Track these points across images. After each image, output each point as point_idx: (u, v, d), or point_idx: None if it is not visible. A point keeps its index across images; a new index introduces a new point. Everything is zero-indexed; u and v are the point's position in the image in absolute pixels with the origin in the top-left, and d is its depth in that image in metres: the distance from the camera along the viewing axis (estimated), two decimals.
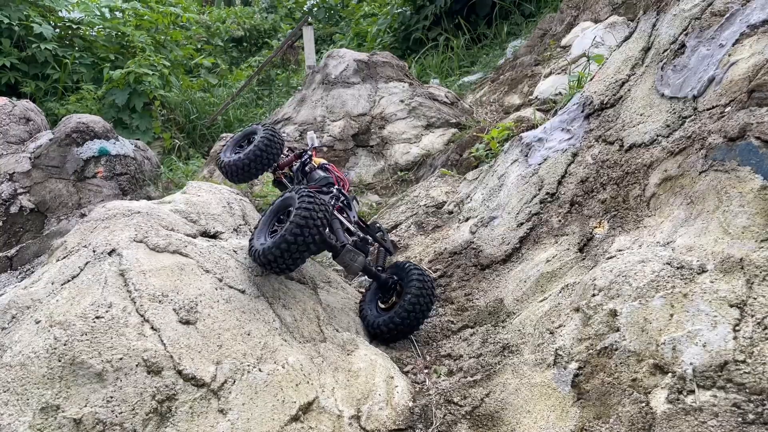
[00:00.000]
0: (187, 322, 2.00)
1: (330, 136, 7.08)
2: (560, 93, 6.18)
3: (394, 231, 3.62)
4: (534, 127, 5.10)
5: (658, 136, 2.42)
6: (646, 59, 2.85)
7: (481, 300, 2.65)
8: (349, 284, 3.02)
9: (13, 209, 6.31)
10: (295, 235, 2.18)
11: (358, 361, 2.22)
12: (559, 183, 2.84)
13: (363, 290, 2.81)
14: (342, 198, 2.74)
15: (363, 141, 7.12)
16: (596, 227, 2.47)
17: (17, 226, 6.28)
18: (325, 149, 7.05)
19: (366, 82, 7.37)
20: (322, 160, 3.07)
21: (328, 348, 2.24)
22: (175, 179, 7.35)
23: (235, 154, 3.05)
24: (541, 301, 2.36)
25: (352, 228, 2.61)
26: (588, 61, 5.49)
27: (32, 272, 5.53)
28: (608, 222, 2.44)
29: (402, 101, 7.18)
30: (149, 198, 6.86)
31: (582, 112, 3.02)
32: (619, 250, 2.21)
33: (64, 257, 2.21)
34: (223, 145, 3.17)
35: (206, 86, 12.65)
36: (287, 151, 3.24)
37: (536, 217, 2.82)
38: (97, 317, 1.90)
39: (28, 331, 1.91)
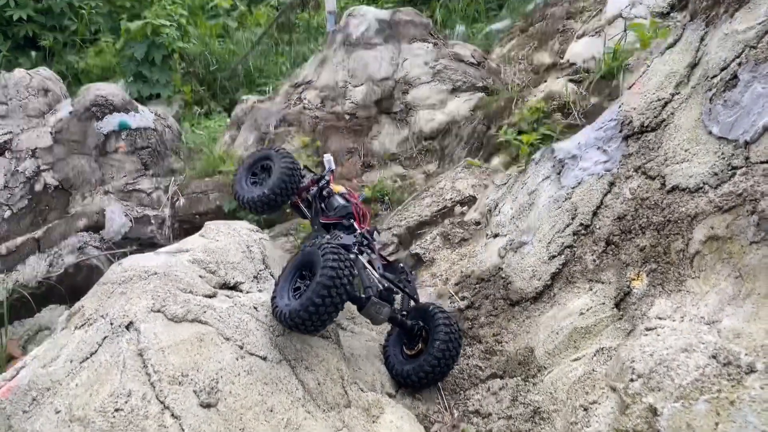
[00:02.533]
0: (208, 405, 1.96)
1: (352, 102, 6.88)
2: (594, 58, 5.86)
3: (419, 242, 3.50)
4: (566, 107, 4.86)
5: (704, 183, 2.24)
6: (692, 78, 2.62)
7: (510, 345, 2.57)
8: None
9: (38, 187, 6.31)
10: (323, 297, 2.12)
11: (383, 430, 2.17)
12: (594, 214, 2.69)
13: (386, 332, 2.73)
14: (365, 241, 2.63)
15: (386, 107, 6.90)
16: (634, 279, 2.33)
17: (43, 204, 6.29)
18: (347, 117, 6.87)
19: (389, 43, 7.05)
20: (341, 188, 2.95)
21: (353, 415, 2.19)
22: (196, 148, 7.23)
23: (254, 185, 2.96)
24: (574, 360, 2.27)
25: (377, 276, 2.51)
26: (625, 31, 5.16)
27: (60, 256, 5.58)
28: (647, 275, 2.30)
29: (426, 63, 6.89)
30: (172, 171, 6.80)
31: (620, 131, 2.81)
32: (660, 318, 2.08)
33: (83, 325, 2.16)
34: (235, 174, 3.05)
35: (225, 29, 12.32)
36: (303, 170, 3.14)
37: (569, 250, 2.68)
38: (116, 410, 1.86)
39: (48, 420, 1.88)
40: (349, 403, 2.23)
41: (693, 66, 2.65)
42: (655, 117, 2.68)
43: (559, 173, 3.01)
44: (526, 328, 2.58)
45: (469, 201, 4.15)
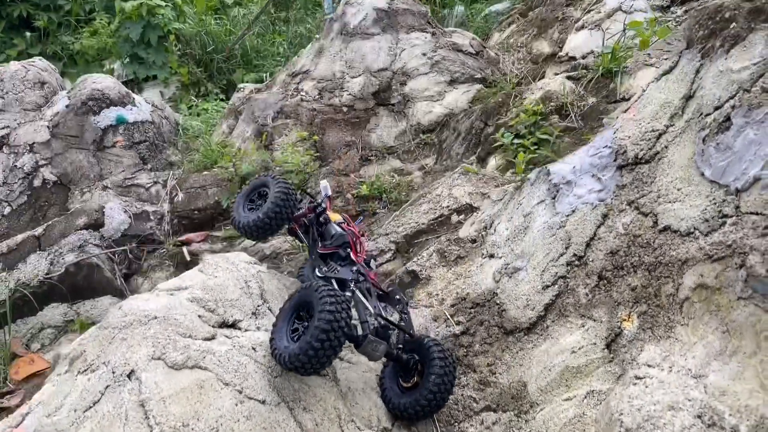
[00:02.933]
0: None
1: (350, 94, 6.85)
2: (592, 53, 5.82)
3: (416, 259, 3.54)
4: (563, 109, 4.84)
5: (695, 229, 2.27)
6: (687, 110, 2.62)
7: (504, 377, 2.62)
8: None
9: (36, 182, 6.33)
10: (321, 341, 2.17)
11: None
12: (588, 246, 2.72)
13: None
14: (361, 277, 2.66)
15: (384, 99, 6.88)
16: (625, 320, 2.38)
17: (42, 201, 6.31)
18: (345, 109, 6.84)
19: (387, 33, 7.00)
20: (338, 217, 2.97)
21: None
22: (193, 138, 7.21)
23: (250, 211, 2.97)
24: (566, 400, 2.33)
25: (372, 313, 2.55)
26: (624, 30, 5.12)
27: (60, 254, 5.62)
28: (638, 317, 2.34)
29: (424, 54, 6.85)
30: (170, 164, 6.81)
31: (614, 160, 2.83)
32: (649, 365, 2.13)
33: (85, 371, 2.22)
34: (233, 202, 3.07)
35: (222, 3, 12.17)
36: (301, 194, 3.15)
37: (562, 281, 2.72)
38: None
39: None
40: None
41: (688, 98, 2.65)
42: (650, 149, 2.69)
43: (554, 198, 3.03)
44: (520, 360, 2.64)
45: (466, 209, 4.18)
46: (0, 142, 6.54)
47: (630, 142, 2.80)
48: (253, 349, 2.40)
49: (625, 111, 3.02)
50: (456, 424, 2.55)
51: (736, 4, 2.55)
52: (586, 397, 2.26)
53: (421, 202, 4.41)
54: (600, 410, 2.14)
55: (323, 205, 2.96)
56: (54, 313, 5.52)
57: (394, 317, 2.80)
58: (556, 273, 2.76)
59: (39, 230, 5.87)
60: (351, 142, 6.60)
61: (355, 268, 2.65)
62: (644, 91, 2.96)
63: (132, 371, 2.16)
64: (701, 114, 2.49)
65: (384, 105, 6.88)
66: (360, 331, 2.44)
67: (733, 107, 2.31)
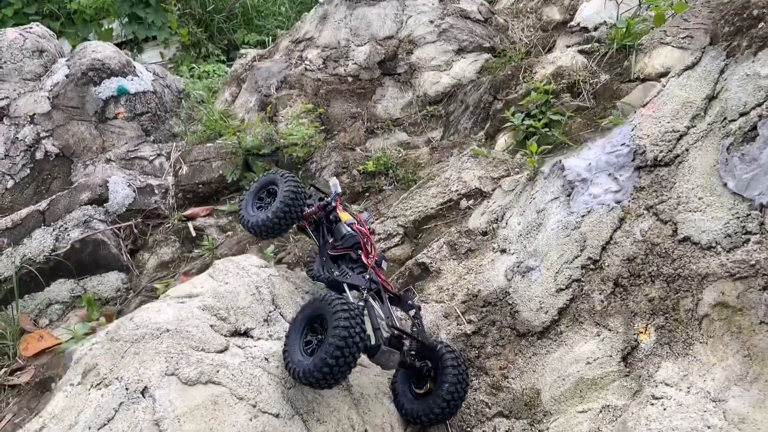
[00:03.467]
0: None
1: (355, 63, 6.70)
2: (605, 24, 5.66)
3: (425, 251, 3.51)
4: (575, 86, 4.72)
5: (717, 243, 2.22)
6: (709, 112, 2.54)
7: (517, 382, 2.62)
8: None
9: (39, 155, 6.26)
10: (336, 357, 2.16)
11: None
12: (603, 249, 2.67)
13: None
14: (374, 285, 2.63)
15: (390, 68, 6.74)
16: (642, 333, 2.35)
17: (45, 173, 6.25)
18: (350, 79, 6.71)
19: None
20: (349, 216, 2.91)
21: None
22: (195, 106, 7.07)
23: (259, 209, 2.91)
24: (581, 413, 2.32)
25: (385, 323, 2.53)
26: (639, 4, 4.95)
27: (66, 230, 5.59)
28: (655, 330, 2.32)
29: (431, 22, 6.67)
30: (173, 135, 6.71)
31: (632, 160, 2.76)
32: (666, 384, 2.11)
33: (98, 385, 2.21)
34: (241, 199, 3.01)
35: None
36: (311, 189, 3.10)
37: (577, 285, 2.69)
38: None
39: None
40: None
41: (711, 98, 2.57)
42: (669, 151, 2.62)
43: (568, 195, 2.97)
44: (533, 366, 2.62)
45: (475, 194, 4.12)
46: (1, 113, 6.44)
47: (649, 142, 2.72)
48: (266, 359, 2.39)
49: (644, 106, 2.94)
50: (469, 430, 2.56)
51: (765, 2, 2.44)
52: (601, 412, 2.25)
53: (429, 184, 4.35)
54: (616, 428, 2.14)
55: (333, 203, 2.90)
56: (61, 288, 5.53)
57: (406, 324, 2.79)
58: (571, 276, 2.73)
59: (43, 205, 5.83)
60: (356, 114, 6.49)
61: (368, 276, 2.61)
62: (664, 86, 2.87)
63: (145, 388, 2.15)
64: (725, 119, 2.41)
65: (390, 75, 6.74)
66: (373, 341, 2.43)
67: (760, 117, 2.23)
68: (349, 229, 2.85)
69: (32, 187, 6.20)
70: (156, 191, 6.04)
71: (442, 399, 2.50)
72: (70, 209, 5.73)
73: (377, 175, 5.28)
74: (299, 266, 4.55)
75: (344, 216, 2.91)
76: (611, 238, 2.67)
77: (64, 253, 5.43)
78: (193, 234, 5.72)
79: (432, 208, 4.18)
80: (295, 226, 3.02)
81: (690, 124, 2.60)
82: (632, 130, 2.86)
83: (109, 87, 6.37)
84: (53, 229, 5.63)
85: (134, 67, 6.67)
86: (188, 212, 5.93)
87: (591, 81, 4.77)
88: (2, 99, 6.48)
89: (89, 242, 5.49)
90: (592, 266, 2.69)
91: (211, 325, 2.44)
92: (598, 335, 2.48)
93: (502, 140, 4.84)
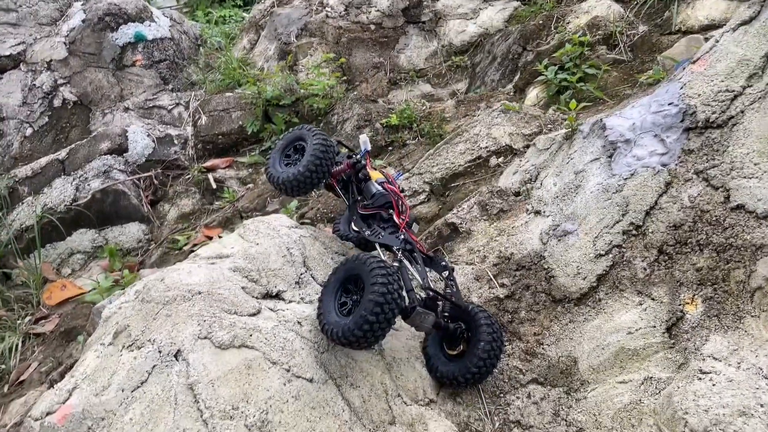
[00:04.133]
0: None
1: (378, 10, 6.50)
2: None
3: (455, 211, 3.41)
4: (611, 38, 4.52)
5: None
6: None
7: (552, 349, 2.56)
8: None
9: (57, 102, 6.17)
10: (376, 314, 2.12)
11: None
12: (647, 214, 2.57)
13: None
14: (408, 245, 2.56)
15: (414, 16, 6.52)
16: (688, 303, 2.27)
17: (63, 121, 6.17)
18: (372, 27, 6.51)
19: None
20: (379, 174, 2.82)
21: None
22: (214, 62, 6.89)
23: (287, 166, 2.82)
24: (621, 383, 2.26)
25: (422, 284, 2.47)
26: None
27: (86, 179, 5.54)
28: (702, 302, 2.23)
29: None
30: (192, 84, 6.57)
31: (681, 121, 2.62)
32: (715, 358, 2.04)
33: (130, 346, 2.17)
34: (268, 157, 2.92)
35: None
36: (338, 146, 3.00)
37: (618, 251, 2.60)
38: None
39: None
40: (393, 420, 2.27)
41: None
42: (723, 112, 2.48)
43: (610, 157, 2.85)
44: (569, 333, 2.56)
45: (505, 151, 4.00)
46: (17, 59, 6.33)
47: (700, 102, 2.58)
48: (299, 323, 2.34)
49: (694, 62, 2.78)
50: (502, 395, 2.52)
51: None
52: (643, 384, 2.19)
53: (457, 140, 4.22)
54: (660, 402, 2.08)
55: (363, 161, 2.81)
56: (82, 238, 5.52)
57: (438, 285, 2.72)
58: (611, 241, 2.63)
59: (63, 154, 5.77)
60: (379, 64, 6.31)
61: (402, 237, 2.54)
62: (717, 41, 2.70)
63: (179, 351, 2.11)
64: None
65: (414, 23, 6.52)
66: (407, 302, 2.37)
67: None
68: (379, 187, 2.76)
69: (51, 136, 6.13)
70: (175, 141, 5.95)
71: (478, 358, 2.46)
72: (90, 159, 5.67)
73: (401, 129, 5.15)
74: (322, 222, 4.49)
75: (374, 174, 2.82)
76: (656, 203, 2.56)
77: (84, 203, 5.40)
78: (214, 186, 5.66)
79: (460, 165, 4.07)
80: (322, 183, 2.93)
81: (746, 83, 2.46)
82: (681, 88, 2.71)
83: (126, 33, 6.21)
84: (73, 179, 5.58)
85: (151, 12, 6.50)
86: (208, 163, 5.85)
87: (628, 32, 4.56)
88: (18, 44, 6.35)
89: (110, 192, 5.45)
90: (634, 232, 2.59)
91: (243, 287, 2.39)
92: (641, 304, 2.40)
93: (533, 94, 4.68)
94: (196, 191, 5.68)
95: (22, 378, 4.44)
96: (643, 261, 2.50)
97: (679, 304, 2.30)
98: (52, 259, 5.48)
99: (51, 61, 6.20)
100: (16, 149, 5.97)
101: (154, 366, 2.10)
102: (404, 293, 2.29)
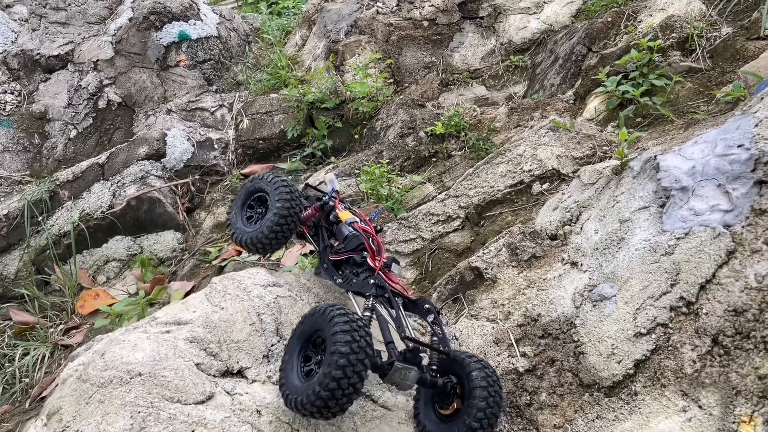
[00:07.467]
0: None
1: (432, 5, 6.01)
2: None
3: (480, 253, 2.95)
4: (688, 42, 3.86)
5: None
6: None
7: None
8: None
9: (101, 104, 6.07)
10: (338, 379, 1.78)
11: None
12: (702, 289, 2.03)
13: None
14: (381, 291, 2.19)
15: (471, 11, 6.00)
16: (744, 422, 1.74)
17: (107, 123, 6.07)
18: (425, 24, 6.04)
19: None
20: (349, 215, 2.47)
21: None
22: (263, 59, 6.60)
23: (249, 221, 2.55)
24: None
25: (398, 335, 2.08)
26: None
27: (123, 185, 5.41)
28: (764, 423, 1.70)
29: None
30: (237, 84, 6.32)
31: (752, 170, 2.05)
32: None
33: None
34: (230, 211, 2.61)
35: None
36: (306, 189, 2.68)
37: (662, 331, 2.07)
38: None
39: None
40: None
41: None
42: None
43: (662, 207, 2.31)
44: None
45: (551, 176, 3.48)
46: (65, 59, 6.26)
47: None
48: (258, 412, 1.97)
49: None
50: None
51: None
52: None
53: (498, 160, 3.72)
54: None
55: (330, 202, 2.48)
56: (118, 246, 5.40)
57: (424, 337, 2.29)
58: (655, 317, 2.11)
59: (103, 158, 5.66)
60: (430, 64, 5.84)
61: (372, 281, 2.17)
62: None
63: None
64: None
65: (471, 18, 6.00)
66: (385, 357, 2.00)
67: None
68: (350, 229, 2.41)
69: (95, 138, 6.04)
70: (216, 146, 5.72)
71: (474, 418, 2.03)
72: (128, 164, 5.53)
73: (446, 138, 4.70)
74: None
75: (344, 215, 2.47)
76: (714, 275, 2.02)
77: (120, 210, 5.27)
78: None
79: (499, 191, 3.58)
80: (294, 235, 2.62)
81: None
82: (755, 126, 2.13)
83: (170, 32, 6.02)
84: (111, 184, 5.46)
85: (198, 9, 6.27)
86: (247, 170, 5.59)
87: (709, 35, 3.90)
88: (67, 44, 6.29)
89: (145, 200, 5.29)
90: (684, 309, 2.06)
91: (198, 364, 2.04)
92: (684, 411, 1.89)
93: (592, 105, 4.10)
94: (233, 199, 5.44)
95: (44, 394, 4.34)
96: (692, 350, 1.97)
97: (733, 422, 1.77)
98: (89, 266, 5.39)
99: (98, 61, 6.09)
100: (60, 152, 5.92)
101: None
102: (374, 348, 1.91)
